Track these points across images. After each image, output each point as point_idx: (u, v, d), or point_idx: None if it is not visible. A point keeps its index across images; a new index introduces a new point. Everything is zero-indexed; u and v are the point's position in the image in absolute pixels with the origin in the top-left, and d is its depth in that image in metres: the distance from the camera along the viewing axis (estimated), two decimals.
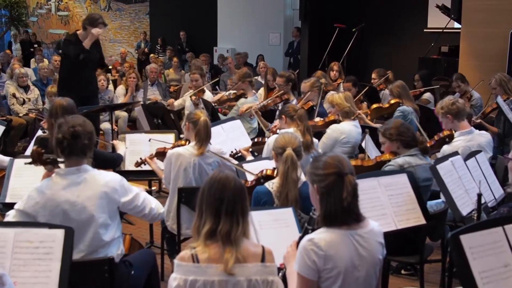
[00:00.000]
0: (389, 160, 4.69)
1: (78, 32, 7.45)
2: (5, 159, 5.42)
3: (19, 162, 4.67)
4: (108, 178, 3.60)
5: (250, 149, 5.87)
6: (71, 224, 3.36)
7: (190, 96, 7.88)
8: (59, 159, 3.61)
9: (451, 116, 5.31)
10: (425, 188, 4.56)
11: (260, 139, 5.92)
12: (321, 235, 2.77)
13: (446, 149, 5.14)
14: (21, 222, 3.39)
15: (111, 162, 5.10)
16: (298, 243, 2.90)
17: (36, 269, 3.09)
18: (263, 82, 9.32)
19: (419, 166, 4.54)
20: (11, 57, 15.00)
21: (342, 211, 2.79)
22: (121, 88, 10.01)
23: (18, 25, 18.17)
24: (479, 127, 6.20)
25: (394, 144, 4.73)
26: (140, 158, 5.41)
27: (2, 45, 19.79)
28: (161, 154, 5.28)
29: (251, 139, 6.23)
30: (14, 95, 9.65)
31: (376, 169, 4.77)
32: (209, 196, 2.78)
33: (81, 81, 7.29)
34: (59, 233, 3.15)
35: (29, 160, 3.71)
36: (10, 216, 3.54)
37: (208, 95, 8.30)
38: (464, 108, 5.41)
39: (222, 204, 2.75)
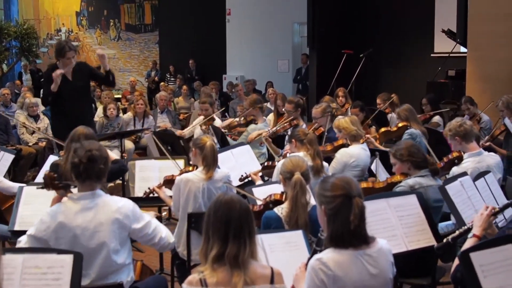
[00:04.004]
0: (400, 181, 4.67)
1: (57, 63, 7.01)
2: (14, 185, 5.44)
3: (28, 190, 4.68)
4: (121, 204, 3.59)
5: (260, 173, 5.85)
6: (81, 249, 3.36)
7: (200, 126, 7.91)
8: (71, 184, 3.62)
9: (459, 138, 5.29)
10: (436, 209, 4.53)
11: (270, 163, 5.91)
12: (330, 255, 2.76)
13: (455, 170, 5.11)
14: (30, 248, 3.38)
15: (118, 172, 5.05)
16: (307, 264, 2.89)
17: None
18: (272, 108, 9.35)
19: (430, 187, 4.51)
20: (20, 87, 15.12)
21: (349, 233, 2.78)
22: (127, 116, 10.06)
23: (28, 55, 18.32)
24: (488, 149, 6.18)
25: (405, 165, 4.71)
26: (148, 188, 5.38)
27: (12, 75, 19.97)
28: (169, 182, 5.27)
29: (261, 164, 6.22)
30: (24, 125, 9.71)
31: (387, 191, 4.74)
32: (215, 220, 2.77)
33: (69, 112, 6.91)
34: (68, 259, 3.15)
35: (41, 185, 3.71)
36: (22, 242, 3.53)
37: (218, 123, 8.34)
38: (472, 130, 5.39)
39: (229, 228, 2.74)
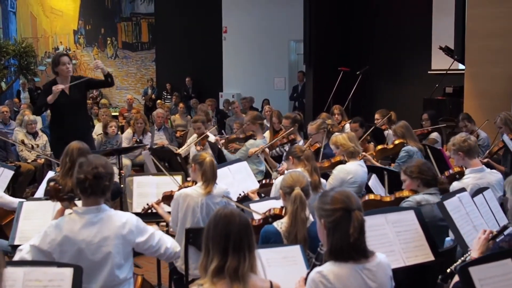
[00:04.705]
0: (408, 197, 4.69)
1: (57, 78, 7.10)
2: (15, 200, 5.44)
3: (28, 205, 4.69)
4: (125, 219, 3.60)
5: (258, 191, 5.86)
6: (85, 263, 3.37)
7: (195, 145, 7.93)
8: (76, 197, 3.62)
9: (463, 153, 5.31)
10: (443, 227, 4.49)
11: (267, 181, 5.91)
12: (330, 267, 2.78)
13: (455, 185, 5.10)
14: (30, 261, 3.38)
15: (116, 194, 5.08)
16: (306, 279, 2.90)
17: None
18: (268, 125, 9.37)
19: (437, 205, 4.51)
20: (19, 105, 15.16)
21: (349, 247, 2.80)
22: (127, 133, 10.15)
23: (26, 74, 18.37)
24: (487, 166, 6.19)
25: (414, 182, 4.73)
26: (147, 204, 5.39)
27: (11, 93, 20.00)
28: (167, 198, 5.27)
29: (258, 181, 6.23)
30: (22, 142, 9.73)
31: (395, 206, 4.73)
32: (215, 233, 2.79)
33: (67, 126, 6.97)
34: (68, 272, 3.15)
35: (45, 198, 3.72)
36: (24, 251, 3.52)
37: (212, 139, 8.34)
38: (476, 146, 5.41)
39: (229, 241, 2.75)
